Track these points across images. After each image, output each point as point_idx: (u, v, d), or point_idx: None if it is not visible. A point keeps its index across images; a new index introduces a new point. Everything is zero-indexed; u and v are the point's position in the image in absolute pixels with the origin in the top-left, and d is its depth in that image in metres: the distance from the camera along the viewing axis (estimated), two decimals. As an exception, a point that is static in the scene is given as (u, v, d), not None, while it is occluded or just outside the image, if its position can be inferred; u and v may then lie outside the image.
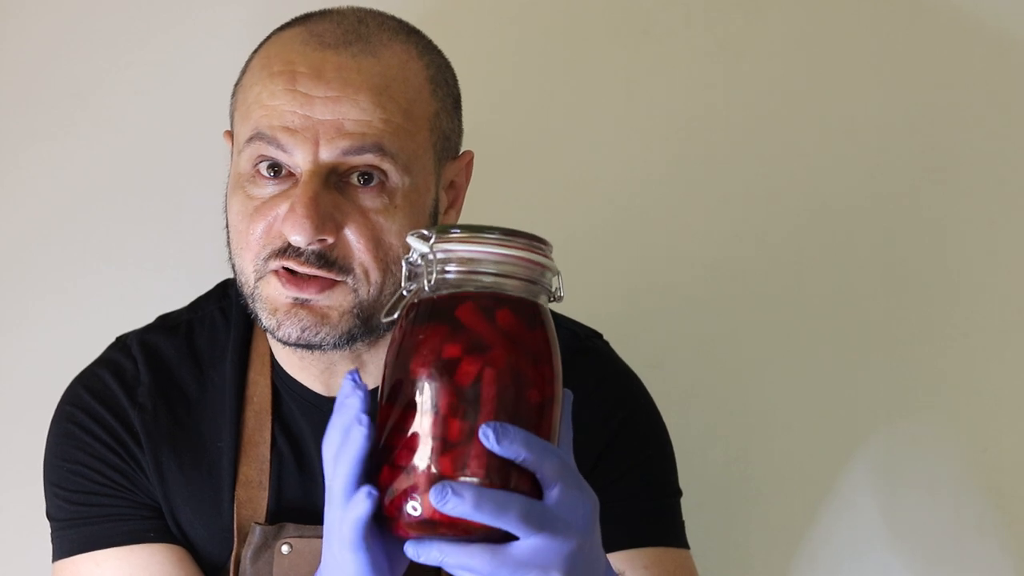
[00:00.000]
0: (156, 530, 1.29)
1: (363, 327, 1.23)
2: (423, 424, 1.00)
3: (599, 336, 1.41)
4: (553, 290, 1.05)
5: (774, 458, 1.71)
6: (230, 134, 1.30)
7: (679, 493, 1.38)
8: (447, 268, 1.02)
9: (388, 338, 1.22)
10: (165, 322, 1.38)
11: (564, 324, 1.38)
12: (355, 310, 1.22)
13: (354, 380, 1.02)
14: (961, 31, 1.71)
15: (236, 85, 1.29)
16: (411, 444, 1.00)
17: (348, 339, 1.23)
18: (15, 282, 1.67)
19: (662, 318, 1.58)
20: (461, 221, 1.33)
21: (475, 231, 1.02)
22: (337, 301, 1.22)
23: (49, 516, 1.33)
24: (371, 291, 1.22)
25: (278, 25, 1.32)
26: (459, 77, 1.33)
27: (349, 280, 1.21)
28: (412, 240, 1.02)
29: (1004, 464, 1.71)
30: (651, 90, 1.72)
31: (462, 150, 1.33)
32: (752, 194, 1.71)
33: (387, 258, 1.21)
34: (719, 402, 1.69)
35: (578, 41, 1.72)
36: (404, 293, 1.03)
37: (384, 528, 1.03)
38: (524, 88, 1.70)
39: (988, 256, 1.71)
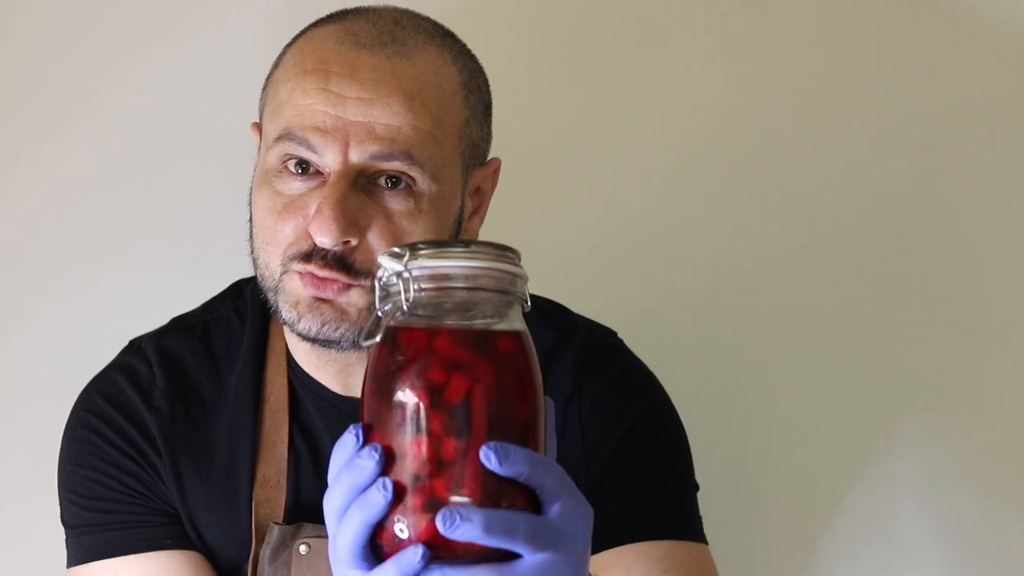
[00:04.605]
0: (172, 536, 1.29)
1: None
2: (413, 447, 0.97)
3: (614, 334, 1.41)
4: (525, 298, 1.03)
5: (775, 460, 1.71)
6: (258, 127, 1.30)
7: (695, 487, 1.37)
8: (421, 286, 0.99)
9: None
10: (179, 324, 1.37)
11: (580, 322, 1.38)
12: (372, 308, 1.20)
13: (358, 439, 0.99)
14: (962, 30, 1.71)
15: (268, 79, 1.29)
16: (403, 469, 0.98)
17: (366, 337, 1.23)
18: (15, 282, 1.66)
19: (663, 319, 1.59)
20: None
21: (445, 246, 1.00)
22: (355, 300, 1.22)
23: (64, 522, 1.32)
24: None
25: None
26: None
27: (365, 282, 1.21)
28: (384, 259, 1.00)
29: (1005, 464, 1.71)
30: (651, 91, 1.71)
31: (490, 157, 1.33)
32: (753, 195, 1.71)
33: None
34: (719, 403, 1.69)
35: (578, 42, 1.71)
36: (379, 315, 1.01)
37: (377, 555, 1.00)
38: (523, 90, 1.70)
39: (990, 256, 1.71)
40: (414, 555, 0.96)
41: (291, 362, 1.33)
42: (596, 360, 1.35)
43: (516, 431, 0.99)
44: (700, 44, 1.71)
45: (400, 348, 0.99)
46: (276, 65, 1.28)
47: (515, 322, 1.01)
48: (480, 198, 1.32)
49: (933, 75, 1.71)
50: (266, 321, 1.34)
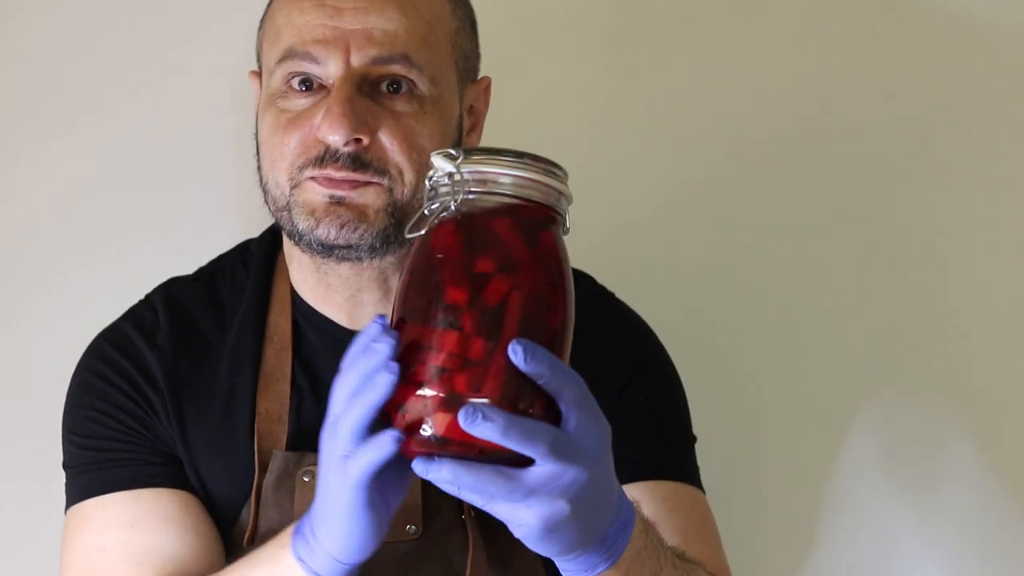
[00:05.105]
0: (163, 475, 1.29)
1: (396, 229, 1.24)
2: (444, 341, 0.99)
3: (613, 294, 1.44)
4: (566, 219, 1.06)
5: (771, 457, 1.70)
6: (256, 74, 1.33)
7: (695, 438, 1.39)
8: (471, 189, 1.02)
9: None
10: (187, 276, 1.40)
11: (583, 274, 1.41)
12: (389, 208, 1.24)
13: (383, 325, 1.01)
14: (960, 30, 1.72)
15: (262, 20, 1.32)
16: (428, 360, 0.99)
17: (384, 240, 1.25)
18: (15, 282, 1.66)
19: (660, 317, 1.58)
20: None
21: (500, 153, 1.03)
22: (371, 199, 1.24)
23: (64, 466, 1.33)
24: (405, 192, 1.24)
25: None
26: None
27: (385, 181, 1.24)
28: (437, 159, 1.03)
29: (1005, 463, 1.71)
30: (650, 89, 1.72)
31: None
32: (752, 194, 1.72)
33: (420, 159, 1.24)
34: (716, 402, 1.69)
35: (577, 41, 1.72)
36: (425, 212, 1.04)
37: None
38: (522, 88, 1.70)
39: (989, 256, 1.72)
40: (388, 438, 0.98)
41: (296, 303, 1.34)
42: (600, 305, 1.39)
43: (545, 340, 1.00)
44: (700, 44, 1.72)
45: (441, 245, 1.01)
46: (269, 3, 1.32)
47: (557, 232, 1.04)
48: (475, 117, 1.35)
49: (933, 74, 1.72)
50: (270, 267, 1.37)
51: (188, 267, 1.62)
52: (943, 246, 1.72)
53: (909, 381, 1.71)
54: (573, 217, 1.64)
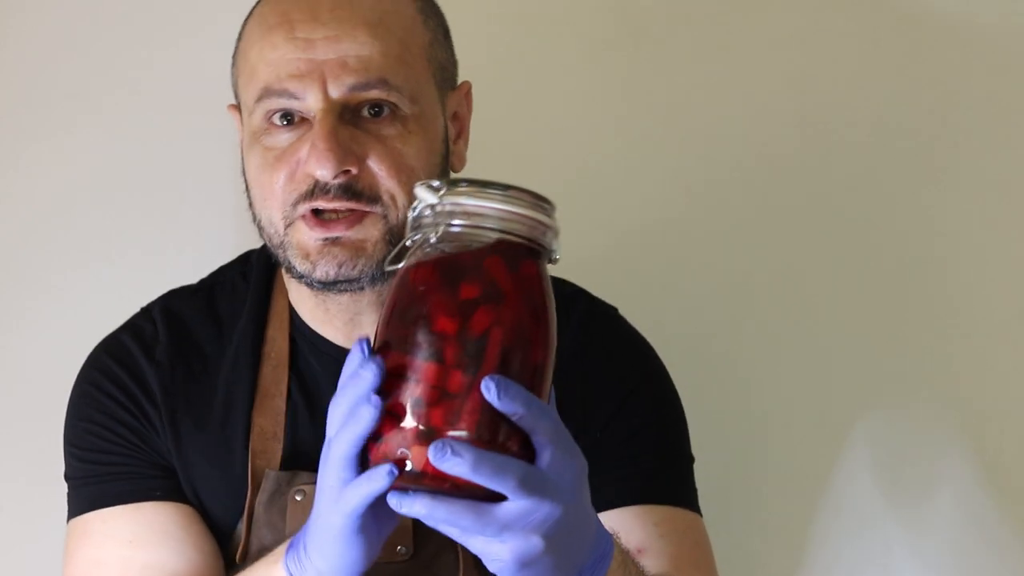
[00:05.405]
0: (163, 489, 1.30)
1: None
2: (422, 373, 0.98)
3: (615, 309, 1.43)
4: (553, 252, 1.04)
5: (771, 458, 1.70)
6: (235, 107, 1.33)
7: (692, 459, 1.38)
8: (453, 221, 1.01)
9: None
10: (187, 288, 1.40)
11: (582, 291, 1.41)
12: (387, 236, 1.24)
13: (363, 352, 1.00)
14: (961, 30, 1.72)
15: (234, 55, 1.32)
16: (406, 393, 0.99)
17: (383, 268, 1.24)
18: (15, 282, 1.66)
19: (660, 318, 1.58)
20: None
21: (484, 186, 1.01)
22: (368, 232, 1.24)
23: (65, 477, 1.33)
24: (399, 215, 1.24)
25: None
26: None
27: (378, 209, 1.23)
28: (420, 191, 1.02)
29: (1005, 464, 1.71)
30: (650, 90, 1.72)
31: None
32: (750, 194, 1.72)
33: (411, 181, 1.22)
34: (716, 403, 1.69)
35: (577, 41, 1.72)
36: (407, 244, 1.03)
37: (364, 467, 1.02)
38: (521, 89, 1.70)
39: (988, 257, 1.72)
40: (381, 472, 0.98)
41: (294, 320, 1.34)
42: (599, 324, 1.38)
43: (525, 374, 1.00)
44: (700, 44, 1.72)
45: (423, 276, 1.00)
46: (240, 37, 1.32)
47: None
48: (460, 123, 1.35)
49: (933, 74, 1.72)
50: (270, 281, 1.37)
51: (187, 267, 1.63)
52: (943, 246, 1.72)
53: (909, 383, 1.71)
54: (573, 220, 1.64)
